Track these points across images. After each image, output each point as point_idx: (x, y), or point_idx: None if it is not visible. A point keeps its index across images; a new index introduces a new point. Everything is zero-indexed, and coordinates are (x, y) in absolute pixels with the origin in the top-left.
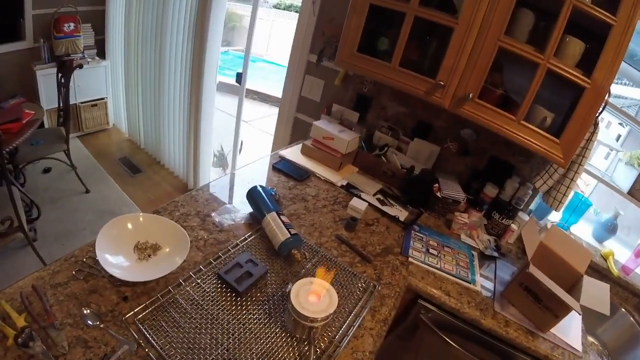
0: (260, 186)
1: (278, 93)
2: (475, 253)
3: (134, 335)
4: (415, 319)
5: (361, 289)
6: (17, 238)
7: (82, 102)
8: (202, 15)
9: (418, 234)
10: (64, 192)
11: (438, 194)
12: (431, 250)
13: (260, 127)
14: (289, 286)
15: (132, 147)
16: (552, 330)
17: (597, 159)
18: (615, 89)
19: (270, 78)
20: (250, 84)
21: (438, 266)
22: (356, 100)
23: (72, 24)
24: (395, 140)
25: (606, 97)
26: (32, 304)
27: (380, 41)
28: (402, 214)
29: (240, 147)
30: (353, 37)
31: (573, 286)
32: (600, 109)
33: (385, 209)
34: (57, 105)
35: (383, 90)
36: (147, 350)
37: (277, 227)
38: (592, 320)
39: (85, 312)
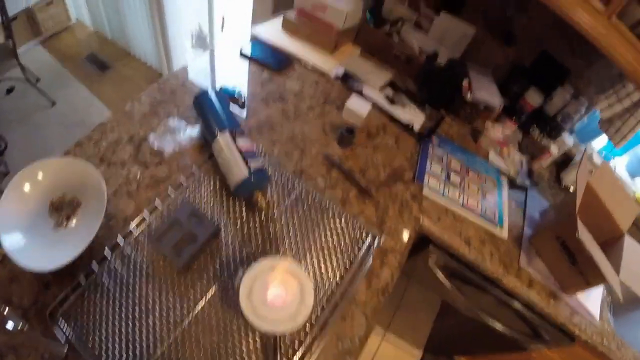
0: (215, 89)
1: None
2: (504, 180)
3: (62, 332)
4: (419, 263)
5: (356, 241)
6: None
7: (35, 3)
8: None
9: (438, 149)
10: (29, 111)
11: (467, 96)
12: (453, 177)
13: None
14: (238, 275)
15: (100, 41)
16: None
17: None
18: None
19: None
20: None
21: (460, 201)
22: None
23: None
24: (414, 12)
25: None
26: None
27: None
28: (417, 118)
29: (222, 24)
30: None
31: (609, 243)
32: None
33: (395, 110)
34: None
35: None
36: (77, 351)
37: (231, 158)
38: None
39: (6, 312)
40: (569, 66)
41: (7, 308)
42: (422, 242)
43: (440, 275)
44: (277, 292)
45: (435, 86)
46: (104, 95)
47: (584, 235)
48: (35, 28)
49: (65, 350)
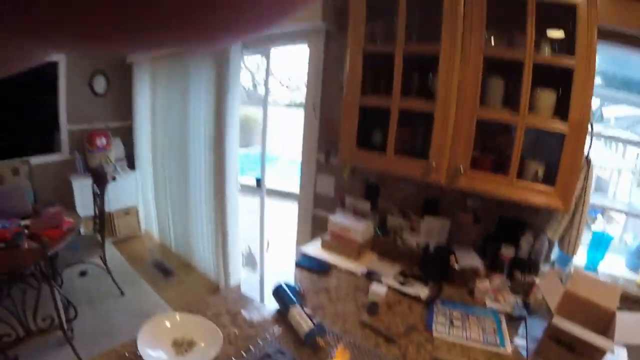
0: (285, 283)
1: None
2: (502, 317)
3: None
4: None
5: None
6: (56, 336)
7: (115, 210)
8: (219, 124)
9: (441, 307)
10: (99, 295)
11: (455, 266)
12: (455, 322)
13: (286, 223)
14: None
15: (164, 251)
16: None
17: (625, 187)
18: (619, 110)
19: (291, 175)
20: (273, 183)
21: (464, 336)
22: (365, 190)
23: (104, 139)
24: (408, 221)
25: (591, 132)
26: None
27: (374, 135)
28: (423, 291)
29: (267, 246)
30: (350, 137)
31: (608, 325)
32: (588, 146)
33: (406, 289)
34: (92, 213)
35: (388, 177)
36: None
37: (301, 319)
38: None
39: None
40: (523, 218)
41: None
42: None
43: None
44: None
45: (431, 267)
46: (167, 297)
47: (559, 320)
48: (110, 229)
49: None
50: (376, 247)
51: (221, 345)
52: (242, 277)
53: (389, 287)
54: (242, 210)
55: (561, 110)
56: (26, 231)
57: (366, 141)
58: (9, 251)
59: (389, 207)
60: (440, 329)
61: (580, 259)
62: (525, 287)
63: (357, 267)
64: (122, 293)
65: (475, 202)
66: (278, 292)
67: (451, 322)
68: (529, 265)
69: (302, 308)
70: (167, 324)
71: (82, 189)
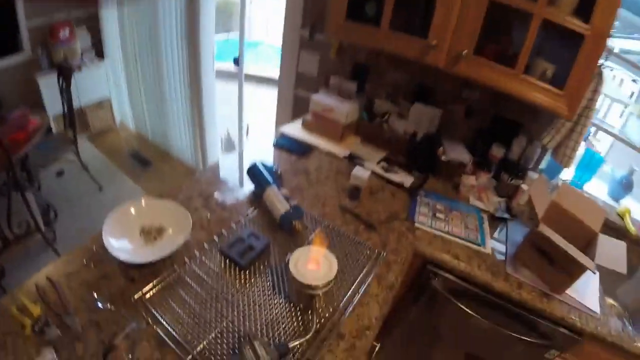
0: (261, 162)
1: None
2: (484, 215)
3: (143, 314)
4: (426, 286)
5: (366, 256)
6: (37, 242)
7: (86, 105)
8: (191, 7)
9: (425, 199)
10: (78, 192)
11: (442, 158)
12: (438, 215)
13: (270, 109)
14: (288, 256)
15: (141, 141)
16: (568, 292)
17: (613, 117)
18: (626, 43)
19: (275, 61)
20: (255, 68)
21: (446, 230)
22: (353, 70)
23: (67, 30)
24: (396, 106)
25: (607, 45)
26: (48, 294)
27: (368, 5)
28: (407, 180)
29: (247, 130)
30: (339, 7)
31: (588, 245)
32: (604, 56)
33: (389, 176)
34: (62, 111)
35: (379, 57)
36: (155, 326)
37: (277, 200)
38: (611, 281)
39: (95, 296)
40: (520, 121)
41: (96, 294)
42: (423, 270)
43: (442, 292)
44: (313, 263)
45: (418, 156)
46: (146, 187)
47: (545, 229)
48: (84, 124)
49: (145, 325)
50: (361, 131)
51: (190, 230)
52: (220, 161)
53: (372, 173)
54: (221, 95)
55: (583, 11)
56: None
57: (358, 13)
58: None
59: (377, 90)
60: (423, 219)
61: (567, 175)
62: (510, 191)
63: (340, 150)
64: (100, 188)
65: (471, 94)
66: (253, 171)
67: (434, 214)
68: (517, 169)
69: (279, 189)
70: (132, 210)
71: (49, 87)
